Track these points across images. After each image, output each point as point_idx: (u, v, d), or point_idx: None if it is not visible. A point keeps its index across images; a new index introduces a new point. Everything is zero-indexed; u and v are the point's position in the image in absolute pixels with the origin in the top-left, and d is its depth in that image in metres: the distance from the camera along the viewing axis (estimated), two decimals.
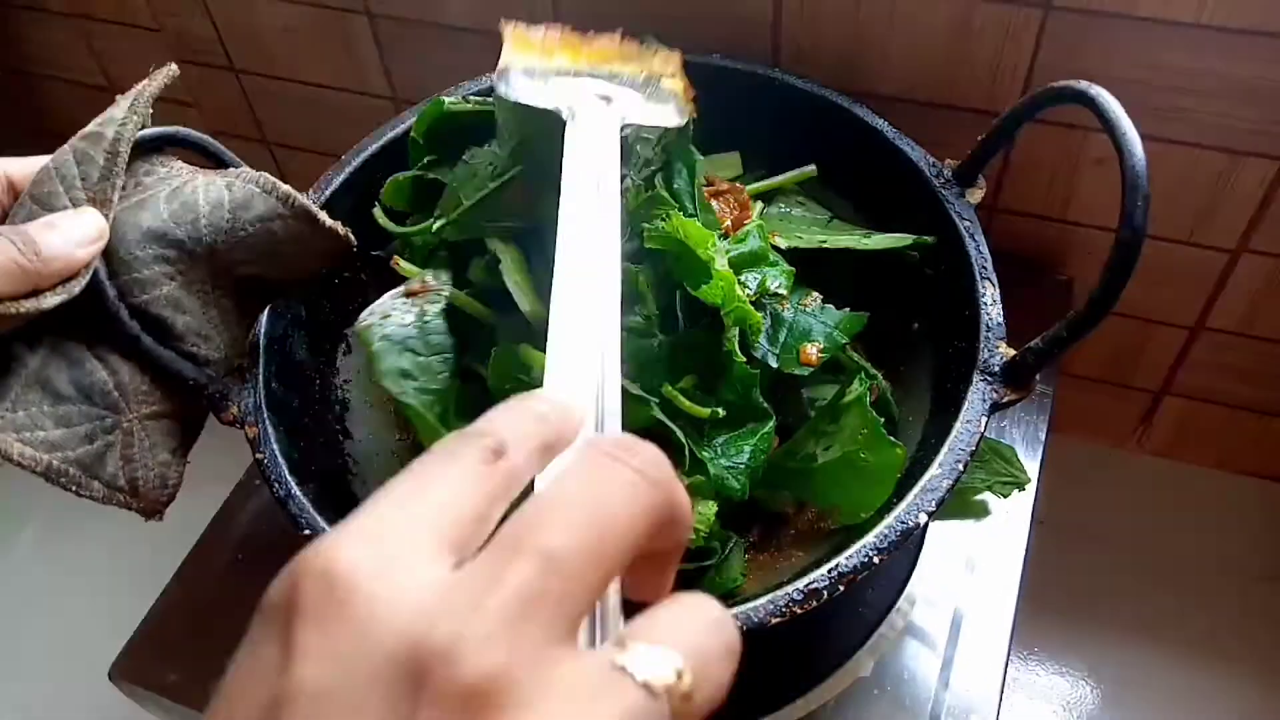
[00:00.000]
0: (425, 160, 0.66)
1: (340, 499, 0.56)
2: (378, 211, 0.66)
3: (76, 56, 1.15)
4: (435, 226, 0.61)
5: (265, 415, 0.57)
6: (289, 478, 0.55)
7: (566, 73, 0.58)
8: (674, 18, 0.81)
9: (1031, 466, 0.74)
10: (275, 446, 0.56)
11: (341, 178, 0.67)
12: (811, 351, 0.58)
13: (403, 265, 0.63)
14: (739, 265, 0.59)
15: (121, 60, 1.14)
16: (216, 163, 0.60)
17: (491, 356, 0.57)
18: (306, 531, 0.53)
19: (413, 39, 0.93)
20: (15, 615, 1.10)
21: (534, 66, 0.59)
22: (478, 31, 0.89)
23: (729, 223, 0.64)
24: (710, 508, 0.54)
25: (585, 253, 0.42)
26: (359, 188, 0.68)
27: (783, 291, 0.59)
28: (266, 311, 0.61)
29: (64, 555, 1.14)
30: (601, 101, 0.55)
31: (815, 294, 0.62)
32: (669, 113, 0.58)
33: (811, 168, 0.70)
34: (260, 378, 0.58)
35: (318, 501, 0.54)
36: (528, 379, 0.56)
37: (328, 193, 0.66)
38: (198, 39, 1.04)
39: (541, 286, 0.57)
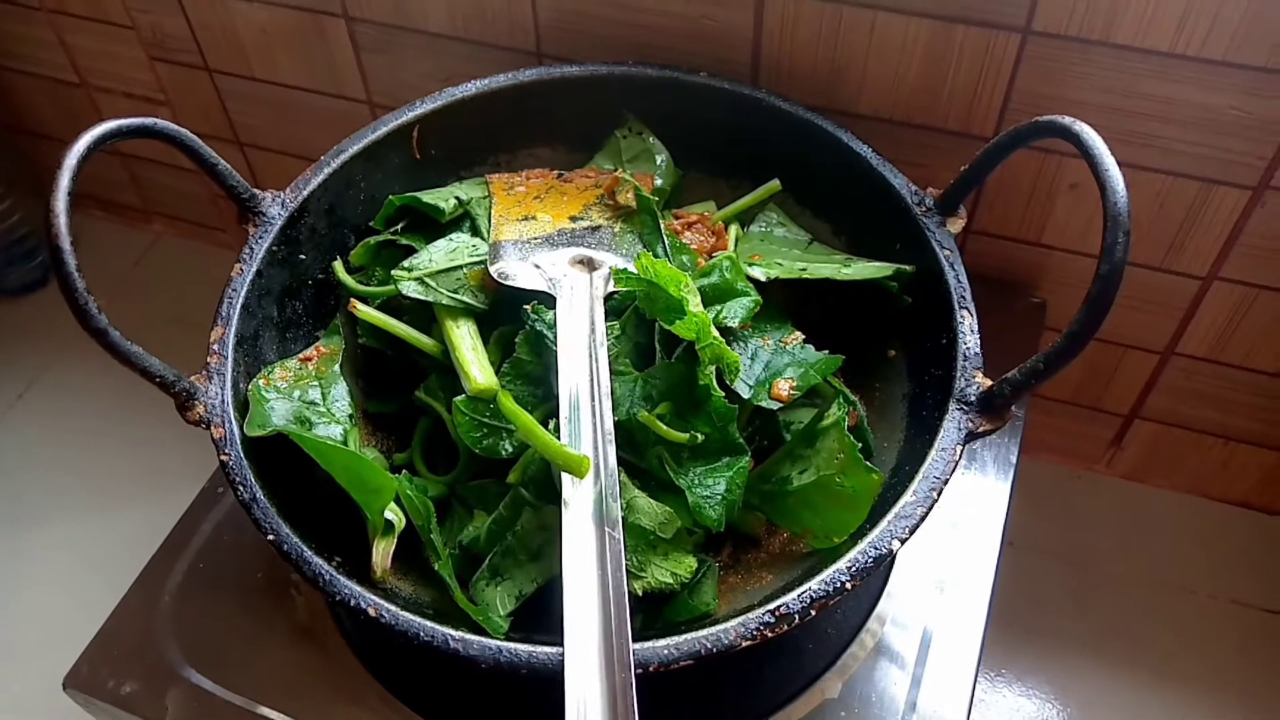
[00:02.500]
0: (402, 225, 0.68)
1: (305, 504, 0.55)
2: (338, 266, 0.67)
3: (48, 51, 1.13)
4: (395, 272, 0.64)
5: (232, 415, 0.56)
6: (254, 482, 0.54)
7: (549, 240, 0.66)
8: (653, 32, 0.81)
9: (1002, 489, 0.75)
10: (240, 448, 0.55)
11: (319, 179, 0.66)
12: (783, 387, 0.58)
13: (360, 309, 0.63)
14: (705, 299, 0.60)
15: (94, 56, 1.12)
16: (192, 157, 0.59)
17: (453, 410, 0.58)
18: (270, 537, 0.52)
19: (390, 44, 0.92)
20: None
21: (520, 236, 0.66)
22: (454, 39, 0.88)
23: (705, 254, 0.66)
24: (690, 564, 0.54)
25: (582, 374, 0.55)
26: (336, 189, 0.67)
27: (734, 325, 0.60)
28: (237, 311, 0.60)
29: (19, 563, 1.11)
30: (583, 270, 0.63)
31: (798, 334, 0.62)
32: (638, 246, 0.66)
33: (775, 182, 0.70)
34: (229, 377, 0.57)
35: (283, 506, 0.53)
36: (494, 421, 0.57)
37: (305, 192, 0.65)
38: (171, 37, 1.03)
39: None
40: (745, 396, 0.58)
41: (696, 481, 0.55)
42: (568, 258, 0.64)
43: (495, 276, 0.62)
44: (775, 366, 0.60)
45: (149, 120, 0.56)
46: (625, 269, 0.59)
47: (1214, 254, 0.80)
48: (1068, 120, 0.50)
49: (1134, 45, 0.70)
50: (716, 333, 0.56)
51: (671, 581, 0.53)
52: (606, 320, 0.59)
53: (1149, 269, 0.83)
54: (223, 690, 0.67)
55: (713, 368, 0.56)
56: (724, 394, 0.56)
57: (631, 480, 0.55)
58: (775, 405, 0.58)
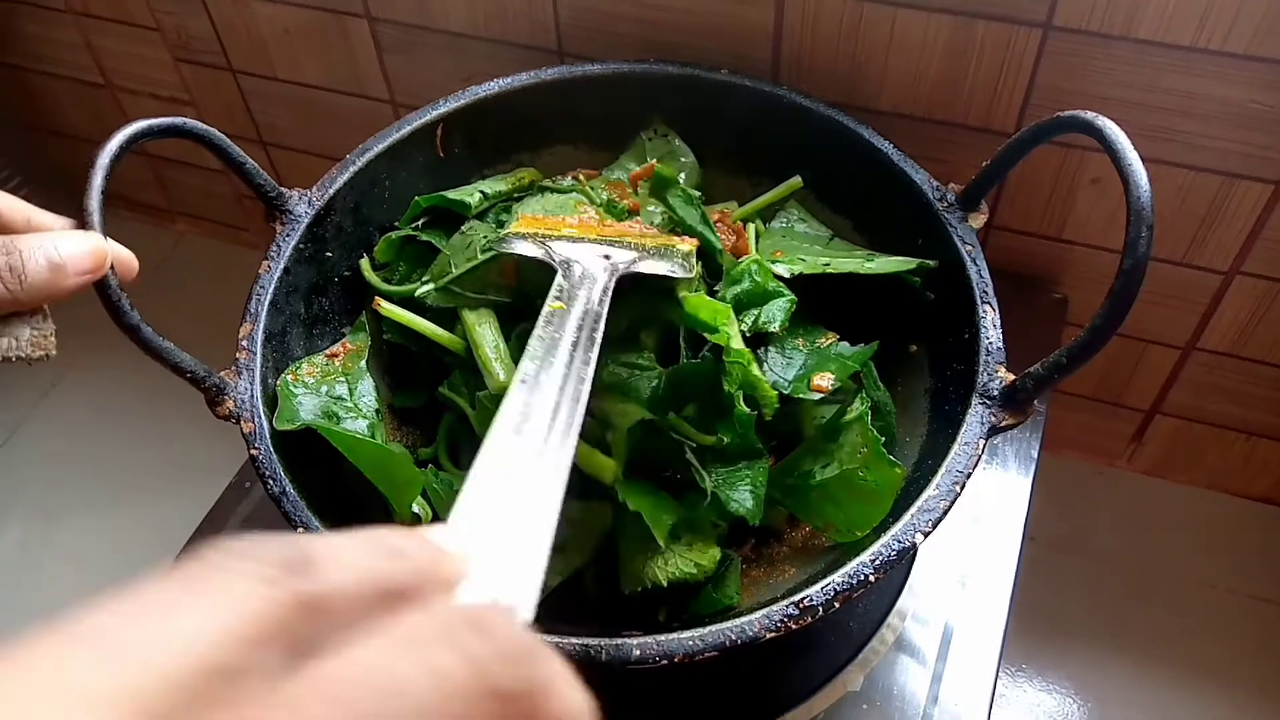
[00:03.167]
0: (422, 221, 0.68)
1: (334, 497, 0.56)
2: (364, 264, 0.67)
3: (73, 53, 1.15)
4: (420, 291, 0.64)
5: (261, 410, 0.57)
6: (284, 475, 0.54)
7: (571, 239, 0.61)
8: (673, 30, 0.81)
9: (1023, 483, 0.75)
10: (270, 442, 0.55)
11: (345, 177, 0.67)
12: (825, 381, 0.58)
13: (384, 306, 0.63)
14: (742, 304, 0.60)
15: (118, 58, 1.13)
16: (220, 156, 0.59)
17: (477, 406, 0.58)
18: (301, 530, 0.53)
19: (412, 43, 0.93)
20: None
21: (539, 230, 0.62)
22: (476, 38, 0.89)
23: (728, 249, 0.66)
24: (714, 555, 0.54)
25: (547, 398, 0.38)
26: (361, 187, 0.68)
27: (776, 329, 0.60)
28: (265, 307, 0.61)
29: (49, 554, 1.13)
30: (600, 258, 0.58)
31: (832, 334, 0.62)
32: (674, 267, 0.59)
33: (797, 179, 0.70)
34: (257, 372, 0.58)
35: (312, 500, 0.54)
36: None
37: (331, 191, 0.66)
38: (196, 38, 1.04)
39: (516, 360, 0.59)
40: (786, 392, 0.58)
41: (723, 481, 0.55)
42: (587, 250, 0.61)
43: (499, 248, 0.60)
44: (810, 366, 0.60)
45: (179, 120, 0.56)
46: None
47: (1236, 249, 0.80)
48: (1090, 115, 0.50)
49: (1156, 40, 0.69)
50: (757, 369, 0.56)
51: (695, 572, 0.54)
52: (628, 299, 0.58)
53: (1171, 264, 0.83)
54: None
55: (747, 378, 0.56)
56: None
57: (648, 481, 0.56)
58: (816, 396, 0.58)
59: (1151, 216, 0.46)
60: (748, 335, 0.59)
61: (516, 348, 0.62)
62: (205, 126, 0.58)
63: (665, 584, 0.53)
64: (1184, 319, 0.87)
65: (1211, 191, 0.77)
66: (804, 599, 0.49)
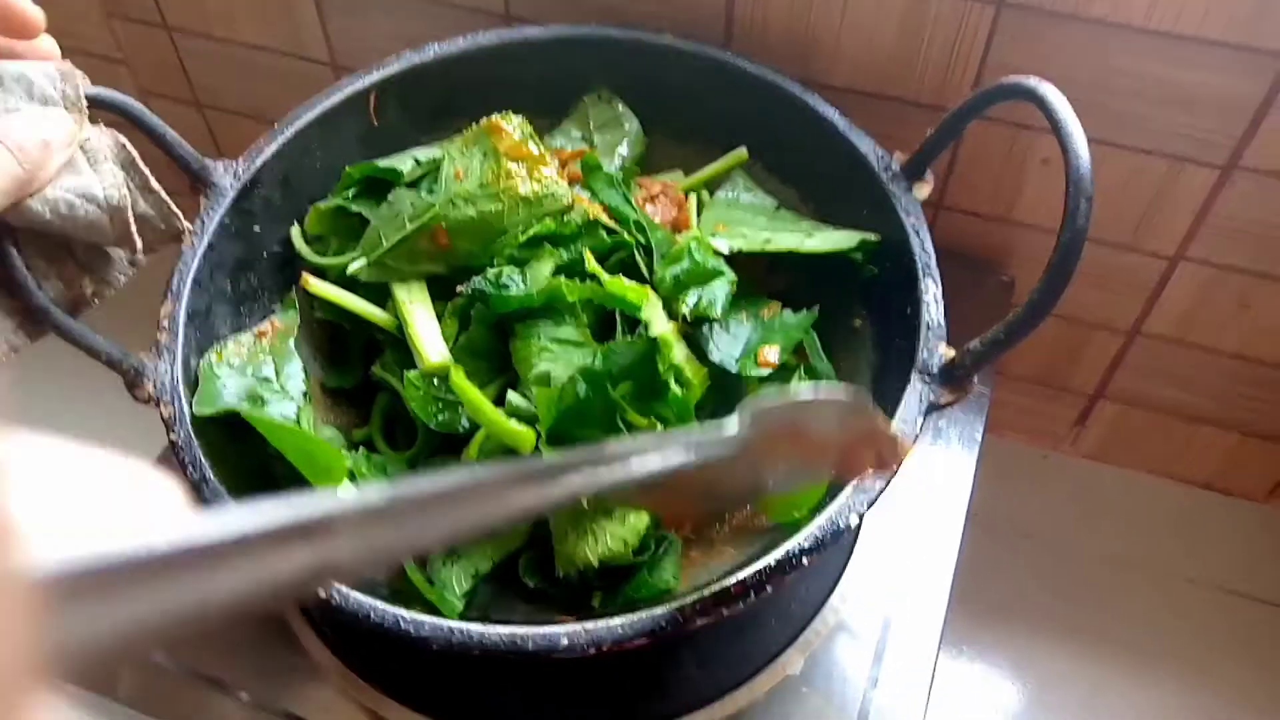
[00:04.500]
0: (352, 191, 0.66)
1: (260, 482, 0.54)
2: (295, 233, 0.65)
3: None
4: (353, 268, 0.62)
5: (182, 393, 0.54)
6: (204, 461, 0.52)
7: None
8: None
9: (967, 465, 0.75)
10: (191, 427, 0.53)
11: (273, 147, 0.65)
12: (770, 355, 0.57)
13: (313, 284, 0.61)
14: (682, 285, 0.58)
15: (48, 12, 1.08)
16: (137, 125, 0.57)
17: (406, 385, 0.57)
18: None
19: (354, 4, 0.90)
20: None
21: None
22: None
23: (669, 223, 0.64)
24: (642, 519, 0.53)
25: None
26: (291, 157, 0.66)
27: (718, 314, 0.58)
28: (188, 285, 0.58)
29: None
30: None
31: (775, 303, 0.61)
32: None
33: (742, 151, 0.69)
34: (179, 354, 0.56)
35: (236, 486, 0.52)
36: (449, 396, 0.56)
37: (258, 162, 0.64)
38: None
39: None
40: (733, 371, 0.57)
41: None
42: None
43: None
44: (755, 341, 0.59)
45: (107, 93, 0.54)
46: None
47: (1182, 233, 0.80)
48: (1033, 82, 0.49)
49: (1107, 20, 0.69)
50: (681, 352, 0.55)
51: (623, 550, 0.52)
52: (569, 278, 0.57)
53: (1116, 247, 0.82)
54: (176, 666, 0.66)
55: (672, 363, 0.55)
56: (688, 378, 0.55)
57: None
58: (765, 372, 0.57)
59: (1090, 187, 0.45)
60: (689, 319, 0.58)
61: (451, 323, 0.60)
62: (119, 95, 0.55)
63: (596, 564, 0.52)
64: (1128, 304, 0.87)
65: (1159, 175, 0.76)
66: (735, 584, 0.48)
